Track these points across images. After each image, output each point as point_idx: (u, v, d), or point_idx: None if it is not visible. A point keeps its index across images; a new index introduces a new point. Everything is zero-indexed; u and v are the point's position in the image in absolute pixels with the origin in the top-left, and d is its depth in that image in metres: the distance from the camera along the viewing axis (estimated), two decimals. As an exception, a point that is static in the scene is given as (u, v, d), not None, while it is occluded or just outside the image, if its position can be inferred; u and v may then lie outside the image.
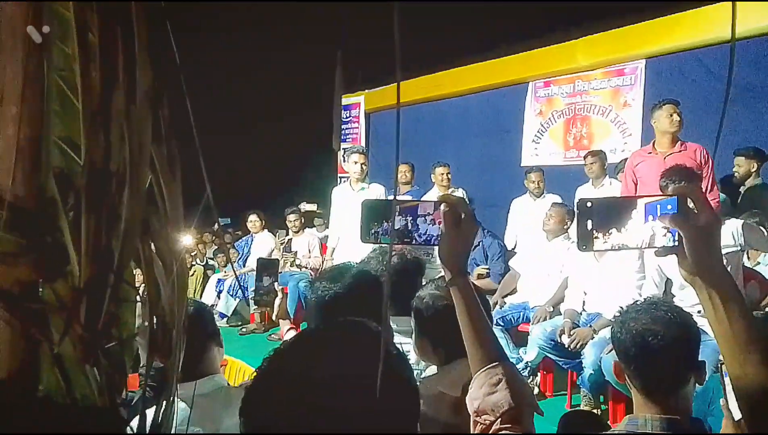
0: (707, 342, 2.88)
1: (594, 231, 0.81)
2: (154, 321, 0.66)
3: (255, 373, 0.63)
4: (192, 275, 7.39)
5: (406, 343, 1.69)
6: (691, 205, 0.79)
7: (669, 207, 0.80)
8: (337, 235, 4.90)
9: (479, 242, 5.01)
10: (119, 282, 0.63)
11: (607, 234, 0.81)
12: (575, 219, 0.83)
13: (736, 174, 4.44)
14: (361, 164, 4.66)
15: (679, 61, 4.96)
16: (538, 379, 4.06)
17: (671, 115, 3.81)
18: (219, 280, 6.94)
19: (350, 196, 4.71)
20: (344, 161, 4.66)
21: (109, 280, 0.61)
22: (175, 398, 0.70)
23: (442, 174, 5.40)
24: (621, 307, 1.48)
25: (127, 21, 0.61)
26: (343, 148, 4.83)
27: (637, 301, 1.48)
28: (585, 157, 4.98)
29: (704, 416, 2.16)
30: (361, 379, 0.56)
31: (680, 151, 3.82)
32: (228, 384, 1.51)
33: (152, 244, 0.66)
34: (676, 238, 0.80)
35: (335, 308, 1.40)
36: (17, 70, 0.65)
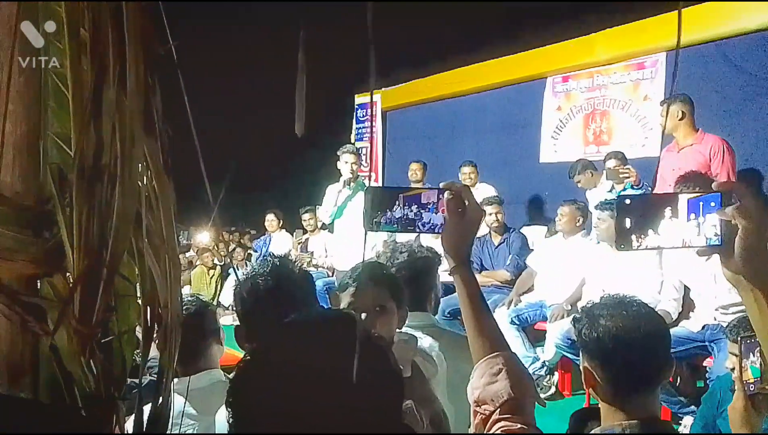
0: (719, 343, 2.80)
1: (633, 229, 0.77)
2: (149, 314, 0.66)
3: (241, 363, 0.63)
4: (211, 277, 7.51)
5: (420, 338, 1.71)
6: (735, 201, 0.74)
7: (712, 204, 0.76)
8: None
9: (504, 240, 4.97)
10: (113, 275, 0.63)
11: (647, 232, 0.77)
12: (615, 216, 0.79)
13: None
14: (352, 164, 4.48)
15: (700, 53, 4.85)
16: (556, 378, 4.01)
17: (668, 113, 3.81)
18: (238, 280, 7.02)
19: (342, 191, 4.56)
20: (338, 160, 4.58)
21: (102, 274, 0.62)
22: (172, 391, 0.70)
23: (465, 173, 5.41)
24: (586, 304, 1.36)
25: (119, 13, 0.61)
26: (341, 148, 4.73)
27: (602, 297, 1.35)
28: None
29: (713, 418, 2.10)
30: (344, 367, 0.57)
31: (692, 145, 3.79)
32: (226, 378, 1.54)
33: (146, 239, 0.66)
34: (722, 237, 0.76)
35: (269, 302, 1.32)
36: (14, 67, 0.66)
